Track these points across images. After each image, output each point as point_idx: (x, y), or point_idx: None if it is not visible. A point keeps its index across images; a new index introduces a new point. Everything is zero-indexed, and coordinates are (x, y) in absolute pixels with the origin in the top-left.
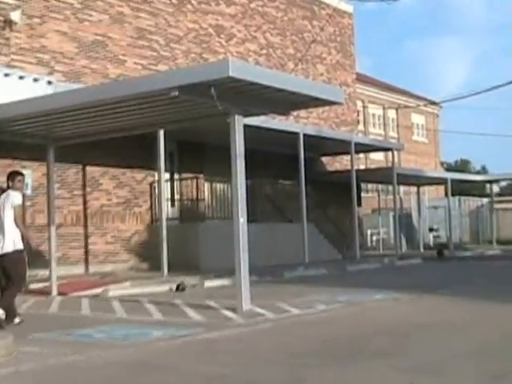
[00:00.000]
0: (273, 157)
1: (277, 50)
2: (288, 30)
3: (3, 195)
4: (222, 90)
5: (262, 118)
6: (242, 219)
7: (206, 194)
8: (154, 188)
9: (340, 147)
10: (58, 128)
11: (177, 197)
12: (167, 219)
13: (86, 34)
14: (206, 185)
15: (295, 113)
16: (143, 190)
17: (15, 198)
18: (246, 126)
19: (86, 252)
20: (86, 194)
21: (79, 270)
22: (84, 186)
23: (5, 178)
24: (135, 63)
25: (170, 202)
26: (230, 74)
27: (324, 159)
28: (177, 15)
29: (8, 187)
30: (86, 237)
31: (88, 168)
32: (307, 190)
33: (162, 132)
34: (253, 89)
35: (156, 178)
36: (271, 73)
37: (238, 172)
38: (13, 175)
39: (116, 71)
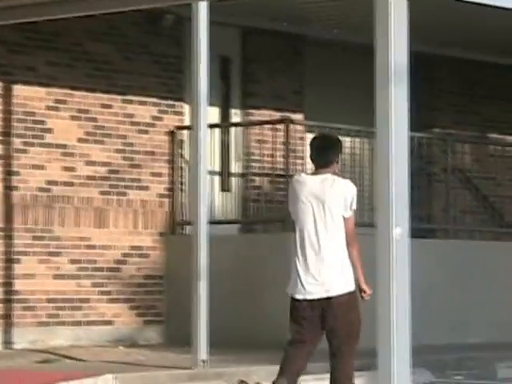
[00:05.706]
0: (477, 76)
1: None
2: None
3: (316, 183)
4: None
5: None
6: (399, 229)
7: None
8: (181, 144)
9: None
10: None
11: (236, 167)
12: (212, 222)
13: None
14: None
15: None
16: (153, 149)
17: (350, 191)
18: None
19: (9, 300)
20: (11, 158)
21: None
22: (6, 135)
23: None
24: None
25: (220, 180)
26: None
27: None
28: None
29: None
30: (8, 260)
31: (19, 88)
32: None
33: (203, 5)
34: None
35: (187, 119)
36: None
37: (389, 112)
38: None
39: None
